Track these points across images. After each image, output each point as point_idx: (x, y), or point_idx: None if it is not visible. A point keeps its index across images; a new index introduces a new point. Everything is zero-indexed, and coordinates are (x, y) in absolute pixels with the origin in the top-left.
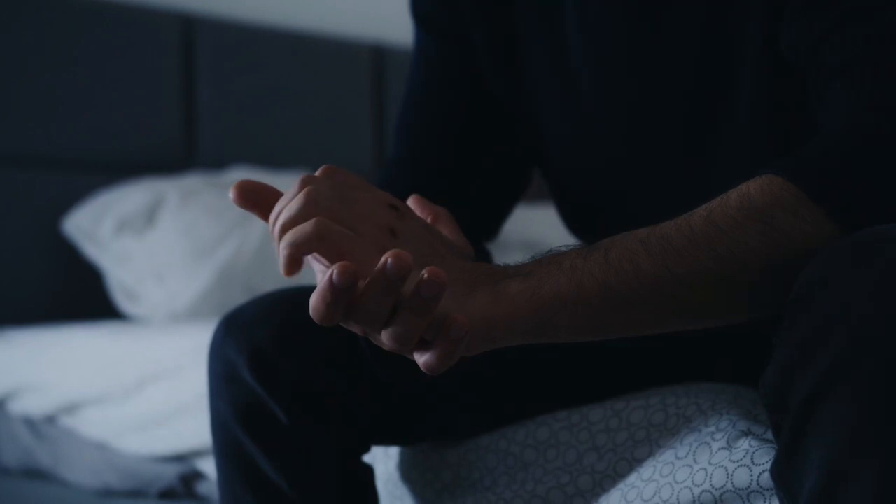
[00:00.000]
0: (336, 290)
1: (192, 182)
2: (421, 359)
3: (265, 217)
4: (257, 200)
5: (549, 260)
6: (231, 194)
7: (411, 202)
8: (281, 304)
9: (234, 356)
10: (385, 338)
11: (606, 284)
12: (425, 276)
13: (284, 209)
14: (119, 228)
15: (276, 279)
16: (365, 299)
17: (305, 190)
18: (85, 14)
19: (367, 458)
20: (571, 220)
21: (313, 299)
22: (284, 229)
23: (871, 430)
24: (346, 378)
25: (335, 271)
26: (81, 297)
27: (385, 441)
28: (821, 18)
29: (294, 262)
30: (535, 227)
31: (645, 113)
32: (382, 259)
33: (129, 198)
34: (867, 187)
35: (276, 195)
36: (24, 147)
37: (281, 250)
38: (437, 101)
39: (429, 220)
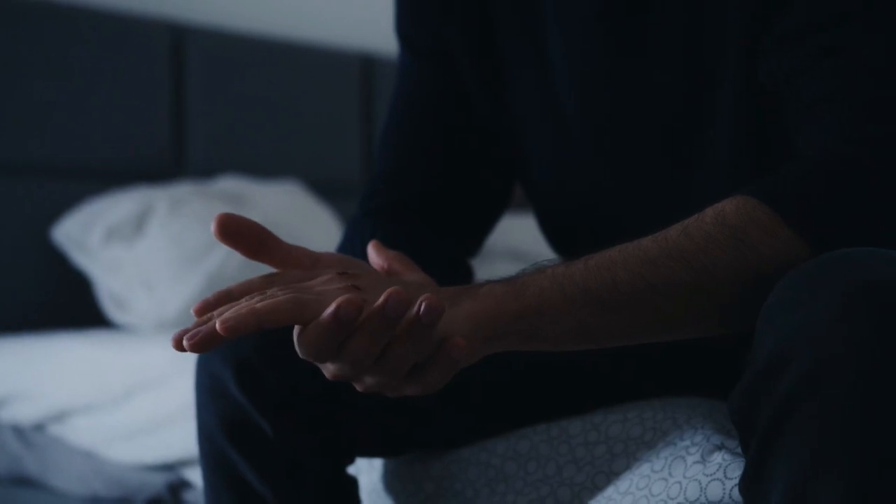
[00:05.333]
0: (340, 323)
1: (181, 191)
2: (415, 387)
3: (247, 252)
4: (237, 234)
5: (533, 270)
6: (212, 228)
7: (370, 249)
8: None
9: (219, 370)
10: (372, 377)
11: (587, 290)
12: (423, 303)
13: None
14: (108, 237)
15: None
16: (362, 335)
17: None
18: (75, 23)
19: (351, 469)
20: (554, 238)
21: (308, 334)
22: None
23: (832, 449)
24: (330, 390)
25: (340, 303)
26: (70, 305)
27: (369, 452)
28: (798, 50)
29: (238, 330)
30: (520, 236)
31: (626, 134)
32: (382, 297)
33: (117, 206)
34: (837, 210)
35: (257, 229)
36: (14, 155)
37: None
38: (419, 118)
39: (385, 265)
